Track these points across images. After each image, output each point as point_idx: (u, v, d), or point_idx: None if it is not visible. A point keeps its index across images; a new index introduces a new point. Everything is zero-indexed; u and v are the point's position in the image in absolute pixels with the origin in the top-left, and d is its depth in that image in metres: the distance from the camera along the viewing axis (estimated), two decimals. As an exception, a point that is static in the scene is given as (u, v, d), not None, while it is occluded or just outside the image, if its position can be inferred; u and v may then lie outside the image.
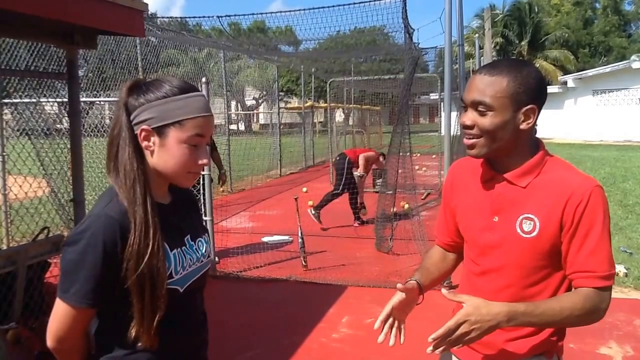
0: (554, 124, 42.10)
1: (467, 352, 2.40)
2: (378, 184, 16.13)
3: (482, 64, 17.70)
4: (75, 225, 5.05)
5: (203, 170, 2.05)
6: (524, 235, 2.16)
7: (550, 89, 43.67)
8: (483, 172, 2.32)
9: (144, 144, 2.01)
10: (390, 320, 2.32)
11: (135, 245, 1.91)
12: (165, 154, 2.01)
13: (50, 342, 2.04)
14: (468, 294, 2.13)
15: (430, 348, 2.02)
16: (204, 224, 2.34)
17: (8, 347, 4.66)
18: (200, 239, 2.26)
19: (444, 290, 2.10)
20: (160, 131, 1.99)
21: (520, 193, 2.19)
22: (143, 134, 2.00)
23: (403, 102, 11.13)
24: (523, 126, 2.14)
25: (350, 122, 35.38)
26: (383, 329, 2.31)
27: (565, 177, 2.15)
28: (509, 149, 2.19)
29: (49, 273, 5.88)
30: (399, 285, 2.27)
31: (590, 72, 41.38)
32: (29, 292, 5.26)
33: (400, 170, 10.42)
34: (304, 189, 16.80)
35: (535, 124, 2.19)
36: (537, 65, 55.35)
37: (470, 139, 2.20)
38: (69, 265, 1.93)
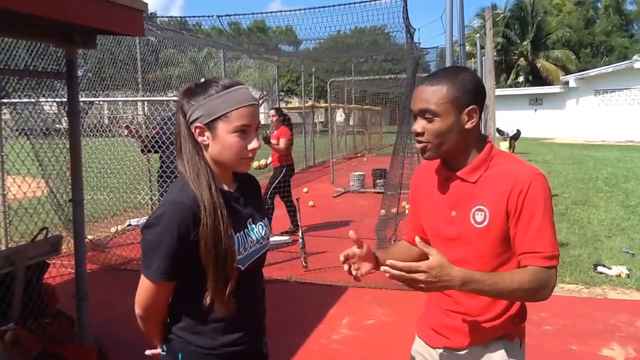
0: (556, 124, 42.24)
1: (431, 335, 2.64)
2: (379, 184, 16.14)
3: (483, 64, 17.73)
4: (73, 226, 5.06)
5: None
6: (477, 225, 2.39)
7: (552, 89, 43.84)
8: (439, 173, 2.56)
9: (200, 139, 2.32)
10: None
11: (209, 225, 2.22)
12: (218, 145, 2.31)
13: (137, 310, 2.41)
14: None
15: (385, 268, 2.18)
16: (265, 208, 2.56)
17: (7, 348, 4.63)
18: (261, 222, 2.54)
19: (417, 239, 2.30)
20: (210, 126, 2.29)
21: (472, 188, 2.42)
22: (197, 130, 2.31)
23: (406, 104, 11.12)
24: (468, 125, 2.37)
25: (351, 122, 35.40)
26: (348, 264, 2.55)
27: (510, 169, 2.37)
28: (458, 149, 2.42)
29: (47, 274, 5.84)
30: (351, 233, 2.45)
31: (592, 72, 41.44)
32: (27, 292, 5.22)
33: (401, 171, 10.40)
34: (305, 190, 16.79)
35: (480, 121, 2.43)
36: (539, 66, 55.79)
37: (421, 144, 2.43)
38: (149, 245, 2.27)
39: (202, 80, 2.43)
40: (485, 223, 2.36)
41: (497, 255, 2.39)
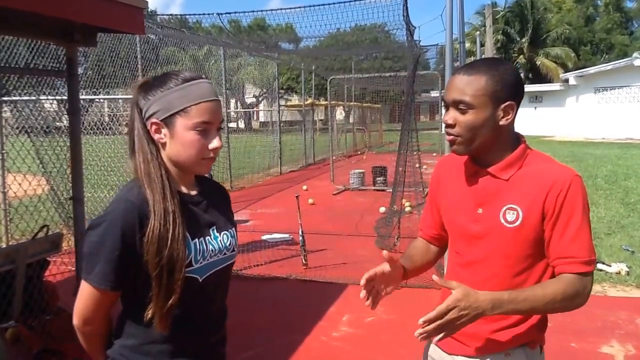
0: (556, 122, 42.18)
1: (451, 344, 2.44)
2: (378, 182, 16.15)
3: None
4: (74, 223, 5.06)
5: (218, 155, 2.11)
6: (507, 225, 2.24)
7: (552, 87, 43.77)
8: (467, 167, 2.40)
9: (156, 136, 2.10)
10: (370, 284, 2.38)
11: (156, 230, 1.99)
12: (176, 144, 2.08)
13: (76, 321, 2.12)
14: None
15: (420, 331, 2.05)
16: (233, 218, 2.41)
17: (7, 345, 4.63)
18: (226, 232, 2.29)
19: (434, 277, 2.16)
20: (168, 122, 2.07)
21: (503, 185, 2.28)
22: (153, 127, 2.08)
23: (408, 101, 11.12)
24: (503, 122, 2.24)
25: (351, 120, 35.41)
26: (367, 289, 2.40)
27: (546, 169, 2.25)
28: (491, 145, 2.28)
29: (48, 271, 5.84)
30: (384, 253, 2.33)
31: (592, 70, 41.38)
32: (28, 290, 5.23)
33: (400, 169, 10.40)
34: (304, 187, 16.83)
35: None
36: (539, 63, 55.67)
37: (452, 136, 2.30)
38: (91, 247, 2.03)
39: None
40: (518, 223, 2.22)
41: (524, 258, 2.27)
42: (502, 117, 2.24)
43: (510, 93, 2.23)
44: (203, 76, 2.20)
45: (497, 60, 2.37)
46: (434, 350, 2.58)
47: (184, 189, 2.20)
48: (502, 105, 2.22)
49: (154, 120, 2.08)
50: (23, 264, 5.13)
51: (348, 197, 15.56)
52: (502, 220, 2.25)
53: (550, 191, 2.18)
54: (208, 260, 2.17)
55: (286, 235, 10.21)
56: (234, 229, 2.36)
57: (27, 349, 4.83)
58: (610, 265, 8.12)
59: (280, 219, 11.98)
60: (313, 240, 9.26)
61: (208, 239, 2.19)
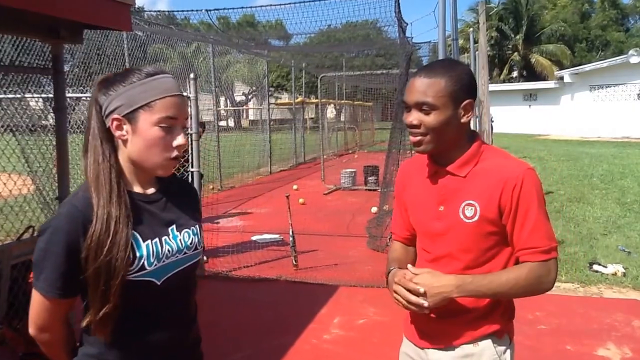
0: (551, 120, 42.27)
1: (422, 337, 2.59)
2: (370, 181, 16.11)
3: (476, 59, 17.66)
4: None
5: (183, 158, 2.02)
6: (466, 220, 2.38)
7: (547, 84, 43.92)
8: (428, 168, 2.53)
9: (117, 134, 2.02)
10: None
11: (96, 235, 1.92)
12: (138, 140, 2.01)
13: (31, 330, 2.07)
14: None
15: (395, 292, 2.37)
16: (198, 216, 2.32)
17: (-8, 347, 4.59)
18: (188, 230, 2.20)
19: (409, 266, 2.42)
20: (130, 117, 2.00)
21: (462, 182, 2.42)
22: (115, 123, 2.00)
23: (400, 99, 11.08)
24: (464, 119, 2.39)
25: (342, 118, 35.40)
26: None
27: (500, 164, 2.40)
28: (453, 143, 2.42)
29: (33, 273, 5.78)
30: (410, 267, 2.46)
31: (587, 67, 41.45)
32: (13, 292, 5.17)
33: (392, 168, 10.35)
34: (295, 187, 16.80)
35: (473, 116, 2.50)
36: (533, 60, 55.79)
37: (416, 136, 2.41)
38: (38, 254, 1.96)
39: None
40: (476, 218, 2.36)
41: (485, 251, 2.40)
42: (463, 115, 2.37)
43: (467, 91, 2.37)
44: (168, 71, 2.13)
45: (453, 61, 2.63)
46: (407, 345, 2.71)
47: (138, 189, 2.12)
48: (462, 104, 2.35)
49: (115, 115, 2.00)
50: (8, 265, 5.08)
51: (339, 196, 15.53)
52: (462, 216, 2.39)
53: (505, 187, 2.32)
54: (164, 262, 2.08)
55: (276, 236, 10.15)
56: (197, 226, 2.27)
57: (11, 351, 4.80)
58: (606, 267, 8.08)
59: (271, 219, 11.91)
60: (303, 241, 9.20)
61: (165, 239, 2.10)
